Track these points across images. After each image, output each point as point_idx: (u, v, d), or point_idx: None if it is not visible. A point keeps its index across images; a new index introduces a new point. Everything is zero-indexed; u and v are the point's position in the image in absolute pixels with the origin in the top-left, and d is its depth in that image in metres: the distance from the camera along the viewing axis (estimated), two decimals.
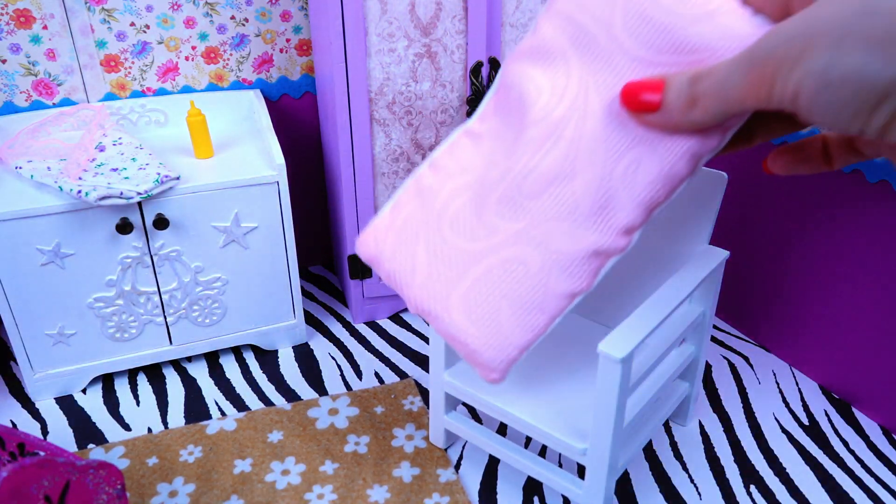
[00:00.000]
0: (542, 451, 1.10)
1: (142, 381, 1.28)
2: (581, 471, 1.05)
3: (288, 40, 1.43)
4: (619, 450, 0.86)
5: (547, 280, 0.79)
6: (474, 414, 1.18)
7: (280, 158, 1.19)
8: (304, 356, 1.35)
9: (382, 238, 0.83)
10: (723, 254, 0.96)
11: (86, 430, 1.16)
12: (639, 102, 0.54)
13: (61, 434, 1.16)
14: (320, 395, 1.24)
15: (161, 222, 1.13)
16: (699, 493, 1.02)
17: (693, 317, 1.00)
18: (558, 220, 0.81)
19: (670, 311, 0.82)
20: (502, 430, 1.14)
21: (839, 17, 0.30)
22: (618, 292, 1.10)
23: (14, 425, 1.18)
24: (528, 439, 1.12)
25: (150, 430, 1.16)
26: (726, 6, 0.73)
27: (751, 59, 0.38)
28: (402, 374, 1.29)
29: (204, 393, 1.25)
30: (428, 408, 1.20)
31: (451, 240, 0.82)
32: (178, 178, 1.14)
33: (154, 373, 1.31)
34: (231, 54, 1.41)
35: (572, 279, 0.83)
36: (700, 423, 1.16)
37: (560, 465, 1.07)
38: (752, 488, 1.03)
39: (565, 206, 0.82)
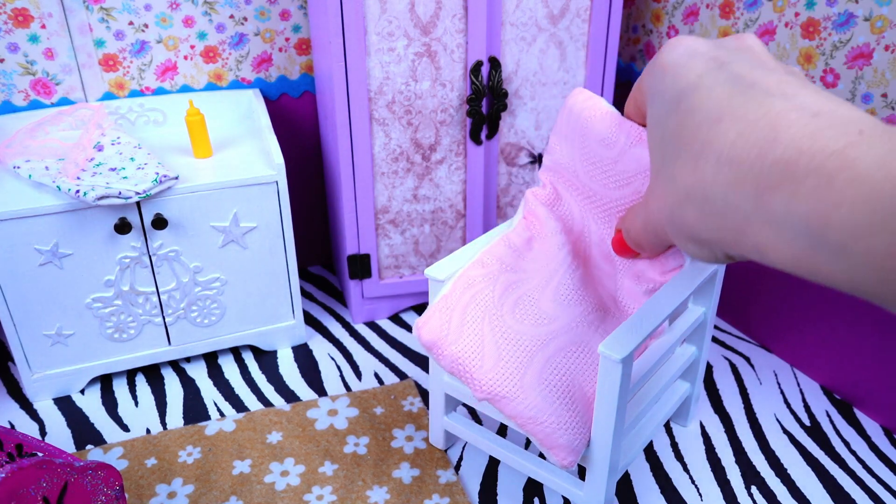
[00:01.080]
0: (541, 452, 1.10)
1: (140, 381, 1.28)
2: (581, 471, 1.05)
3: (287, 39, 1.42)
4: (619, 451, 0.86)
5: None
6: (474, 414, 1.17)
7: (279, 158, 1.19)
8: (304, 357, 1.34)
9: (446, 319, 0.89)
10: None
11: (84, 431, 1.16)
12: (627, 256, 0.63)
13: (59, 435, 1.15)
14: (320, 396, 1.23)
15: (159, 222, 1.12)
16: (700, 494, 1.02)
17: (694, 317, 1.00)
18: (602, 311, 0.93)
19: (670, 312, 0.82)
20: (502, 430, 1.14)
21: (663, 220, 0.34)
22: None
23: (12, 426, 1.17)
24: (528, 440, 1.12)
25: (148, 430, 1.16)
26: (630, 139, 0.83)
27: (645, 229, 0.45)
28: (401, 375, 1.29)
29: (203, 394, 1.24)
30: (428, 409, 1.19)
31: (515, 326, 0.89)
32: (176, 178, 1.13)
33: (153, 373, 1.30)
34: (230, 53, 1.40)
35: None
36: (701, 423, 1.16)
37: None
38: (754, 489, 1.03)
39: (600, 302, 0.94)
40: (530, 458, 0.97)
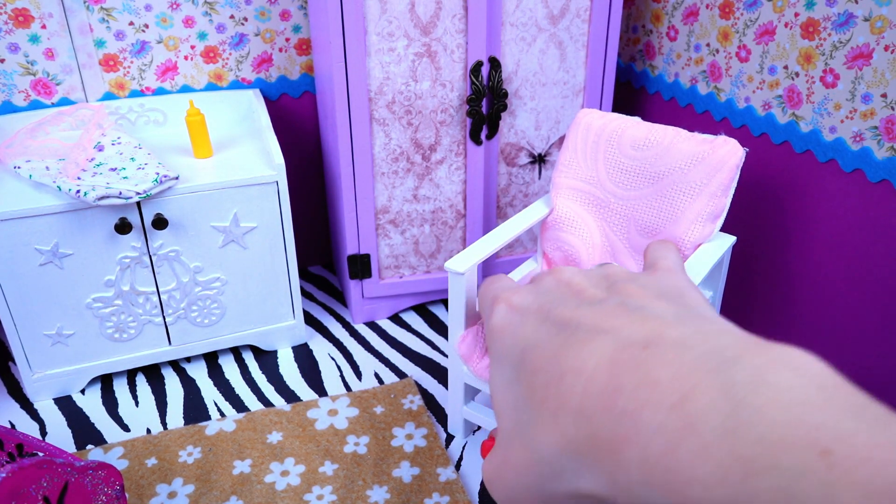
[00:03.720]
0: None
1: (141, 381, 1.28)
2: None
3: (287, 39, 1.42)
4: None
5: None
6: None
7: (279, 158, 1.19)
8: (304, 356, 1.35)
9: (479, 336, 0.97)
10: (730, 239, 1.00)
11: (84, 431, 1.16)
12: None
13: (60, 434, 1.15)
14: (320, 396, 1.23)
15: (160, 222, 1.13)
16: None
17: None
18: None
19: None
20: None
21: (524, 487, 0.28)
22: None
23: (13, 426, 1.17)
24: None
25: (149, 430, 1.16)
26: (674, 134, 0.94)
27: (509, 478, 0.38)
28: (401, 374, 1.29)
29: (203, 394, 1.25)
30: (427, 407, 1.20)
31: None
32: (176, 178, 1.13)
33: (153, 373, 1.30)
34: (230, 54, 1.40)
35: None
36: None
37: None
38: None
39: None
40: None
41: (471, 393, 1.06)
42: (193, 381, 1.28)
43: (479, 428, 1.10)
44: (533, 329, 0.26)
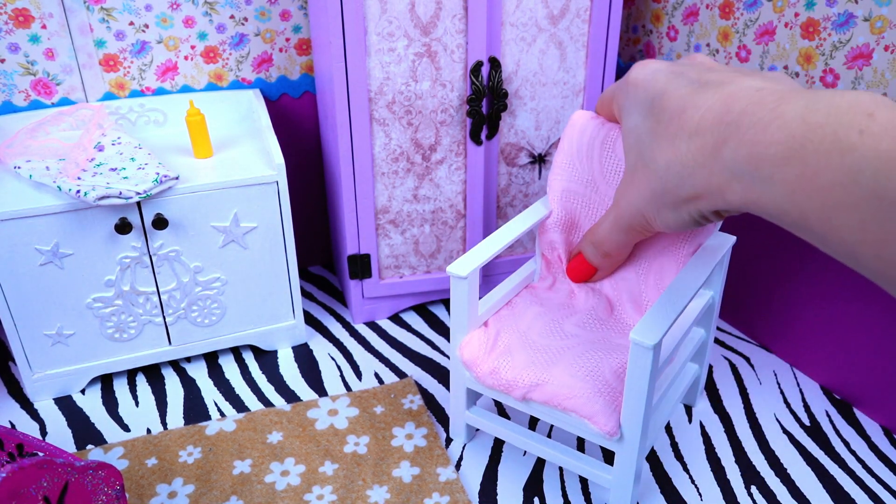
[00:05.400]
0: (548, 435, 1.10)
1: (141, 381, 1.28)
2: (606, 458, 1.05)
3: (287, 39, 1.43)
4: (648, 432, 0.91)
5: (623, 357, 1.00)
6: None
7: (279, 158, 1.19)
8: (304, 356, 1.35)
9: (483, 341, 1.01)
10: (730, 239, 1.00)
11: (85, 431, 1.16)
12: (584, 275, 0.75)
13: (60, 435, 1.15)
14: (320, 396, 1.23)
15: (160, 222, 1.13)
16: (700, 494, 1.02)
17: (704, 301, 1.03)
18: (622, 333, 1.07)
19: (692, 297, 0.85)
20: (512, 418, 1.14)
21: (641, 203, 0.51)
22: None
23: (12, 426, 1.17)
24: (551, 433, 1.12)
25: (149, 430, 1.16)
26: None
27: (614, 227, 0.64)
28: (401, 375, 1.29)
29: (203, 394, 1.25)
30: (427, 406, 1.20)
31: (541, 342, 1.00)
32: (177, 178, 1.13)
33: (153, 373, 1.30)
34: (230, 54, 1.40)
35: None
36: (701, 423, 1.16)
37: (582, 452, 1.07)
38: (753, 489, 1.03)
39: (620, 325, 1.07)
40: (555, 445, 0.99)
41: (473, 398, 1.07)
42: (193, 381, 1.28)
43: (477, 431, 1.10)
44: (665, 81, 0.38)
